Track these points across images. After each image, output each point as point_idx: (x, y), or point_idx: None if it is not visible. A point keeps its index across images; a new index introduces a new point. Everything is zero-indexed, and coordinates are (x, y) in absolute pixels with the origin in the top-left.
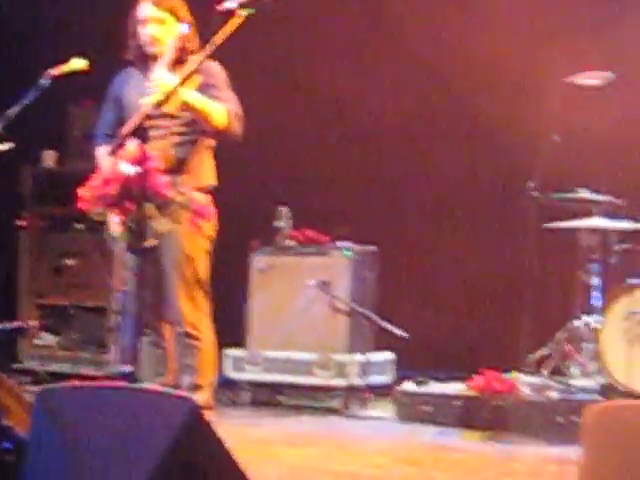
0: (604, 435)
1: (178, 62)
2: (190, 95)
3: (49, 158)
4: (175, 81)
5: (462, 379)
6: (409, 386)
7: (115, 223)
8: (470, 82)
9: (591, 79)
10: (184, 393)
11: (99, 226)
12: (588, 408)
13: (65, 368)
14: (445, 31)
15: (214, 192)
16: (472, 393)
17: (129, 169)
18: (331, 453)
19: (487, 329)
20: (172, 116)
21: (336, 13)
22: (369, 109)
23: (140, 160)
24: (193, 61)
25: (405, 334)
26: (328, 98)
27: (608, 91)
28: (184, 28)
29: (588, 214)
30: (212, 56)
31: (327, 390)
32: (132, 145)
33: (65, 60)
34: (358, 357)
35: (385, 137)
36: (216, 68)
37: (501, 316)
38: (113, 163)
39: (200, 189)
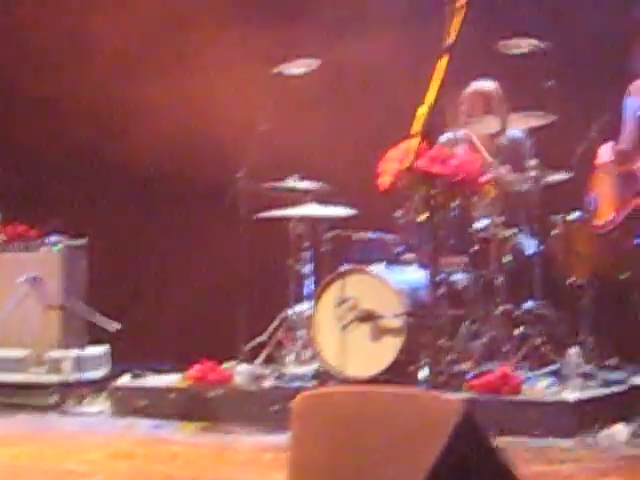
0: (313, 421)
1: None
2: None
3: None
4: None
5: (180, 370)
6: (125, 380)
7: None
8: (174, 71)
9: (296, 68)
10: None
11: None
12: (298, 395)
13: None
14: None
15: None
16: (187, 384)
17: None
18: (46, 451)
19: (204, 319)
20: None
21: None
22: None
23: None
24: None
25: (117, 326)
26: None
27: (312, 78)
28: None
29: (300, 202)
30: None
31: (41, 387)
32: None
33: None
34: (72, 352)
35: (88, 126)
36: None
37: (218, 306)
38: None
39: None
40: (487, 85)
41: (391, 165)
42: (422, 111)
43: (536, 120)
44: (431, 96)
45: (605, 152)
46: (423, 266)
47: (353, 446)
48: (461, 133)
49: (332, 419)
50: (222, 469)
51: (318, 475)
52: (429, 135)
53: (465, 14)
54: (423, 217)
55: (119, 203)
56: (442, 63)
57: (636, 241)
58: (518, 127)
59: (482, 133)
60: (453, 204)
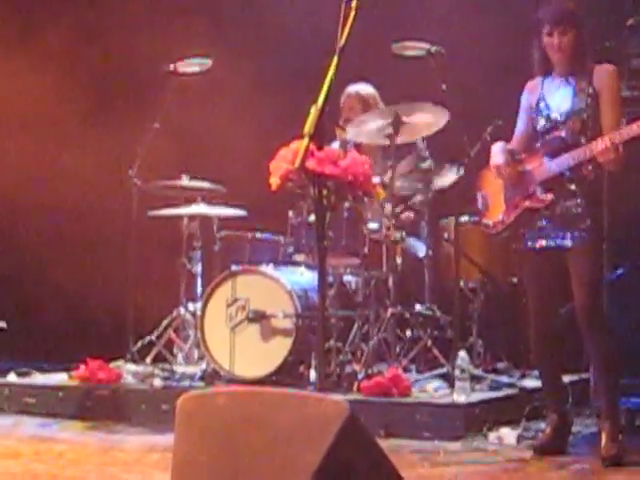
0: (196, 422)
1: None
2: None
3: None
4: None
5: (68, 369)
6: (11, 378)
7: None
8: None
9: (190, 66)
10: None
11: None
12: (182, 396)
13: None
14: None
15: None
16: (75, 383)
17: None
18: None
19: (94, 318)
20: None
21: None
22: None
23: None
24: None
25: (3, 324)
26: None
27: (206, 77)
28: None
29: (191, 201)
30: None
31: None
32: None
33: None
34: None
35: None
36: None
37: (107, 305)
38: None
39: None
40: (364, 88)
41: (281, 165)
42: (313, 111)
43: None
44: (322, 97)
45: (497, 151)
46: (314, 267)
47: (234, 447)
48: (352, 135)
49: (215, 420)
50: (107, 469)
51: (199, 475)
52: (320, 136)
53: (356, 15)
54: (313, 218)
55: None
56: (333, 64)
57: (529, 244)
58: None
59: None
60: (344, 205)
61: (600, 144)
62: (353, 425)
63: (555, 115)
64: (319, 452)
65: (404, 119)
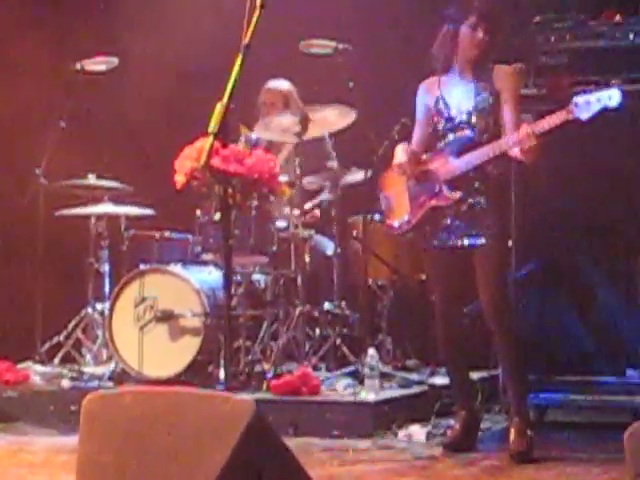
0: (101, 422)
1: None
2: None
3: None
4: None
5: None
6: None
7: None
8: None
9: (97, 65)
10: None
11: None
12: (87, 396)
13: None
14: None
15: None
16: None
17: None
18: None
19: (0, 319)
20: None
21: None
22: None
23: None
24: None
25: None
26: None
27: (112, 76)
28: None
29: (99, 201)
30: None
31: None
32: None
33: None
34: None
35: None
36: None
37: (15, 306)
38: None
39: None
40: (283, 84)
41: (186, 163)
42: (218, 109)
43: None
44: (227, 94)
45: (400, 152)
46: (222, 266)
47: (140, 447)
48: (259, 133)
49: (120, 420)
50: (13, 471)
51: (104, 476)
52: (225, 134)
53: (262, 13)
54: (218, 216)
55: None
56: (238, 62)
57: (435, 243)
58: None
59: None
60: (252, 204)
61: (521, 132)
62: (259, 424)
63: (456, 114)
64: (225, 451)
65: (312, 117)
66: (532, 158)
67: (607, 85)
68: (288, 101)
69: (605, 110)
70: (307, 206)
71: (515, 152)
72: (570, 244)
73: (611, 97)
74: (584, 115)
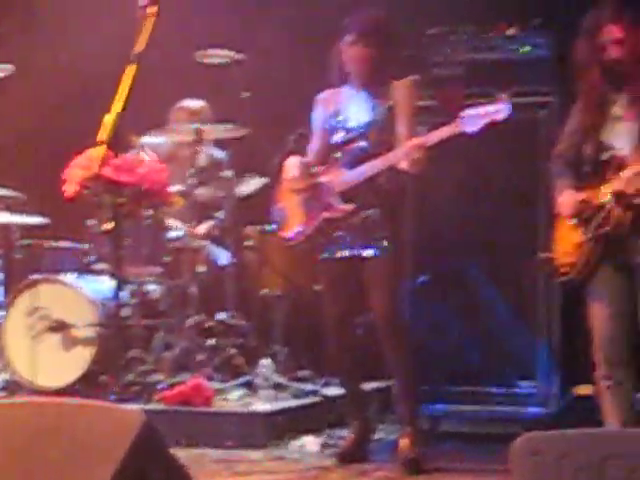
0: None
1: None
2: None
3: None
4: None
5: None
6: None
7: None
8: None
9: None
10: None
11: None
12: None
13: None
14: None
15: None
16: None
17: None
18: None
19: None
20: None
21: None
22: None
23: None
24: None
25: None
26: None
27: (7, 84)
28: None
29: None
30: None
31: None
32: None
33: None
34: None
35: None
36: None
37: None
38: None
39: None
40: (195, 103)
41: (76, 172)
42: (109, 118)
43: (231, 131)
44: (119, 104)
45: (291, 166)
46: (114, 276)
47: (29, 458)
48: (155, 141)
49: (9, 431)
50: None
51: None
52: (116, 142)
53: (155, 23)
54: (109, 226)
55: None
56: (130, 71)
57: (327, 255)
58: (215, 138)
59: (181, 143)
60: (145, 213)
61: (407, 145)
62: (148, 435)
63: (352, 126)
64: (113, 463)
65: (206, 129)
66: (418, 170)
67: (495, 99)
68: (198, 118)
69: (493, 124)
70: (201, 229)
71: (403, 164)
72: (461, 256)
73: (498, 111)
74: (471, 129)
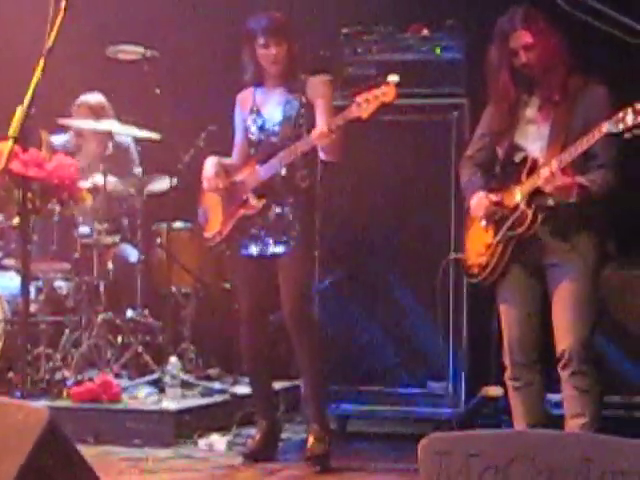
0: None
1: None
2: None
3: None
4: None
5: None
6: None
7: None
8: None
9: None
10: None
11: None
12: None
13: None
14: None
15: None
16: None
17: None
18: None
19: None
20: None
21: None
22: None
23: None
24: None
25: None
26: None
27: None
28: None
29: None
30: None
31: None
32: None
33: None
34: None
35: None
36: None
37: None
38: None
39: None
40: (93, 97)
41: None
42: (18, 113)
43: (142, 128)
44: (28, 98)
45: (208, 166)
46: (21, 272)
47: None
48: (61, 139)
49: None
50: None
51: None
52: (25, 138)
53: (65, 16)
54: (16, 221)
55: None
56: (40, 66)
57: (242, 251)
58: (125, 134)
59: (88, 137)
60: (53, 209)
61: (315, 131)
62: (53, 432)
63: (269, 125)
64: (17, 461)
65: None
66: (336, 157)
67: (384, 83)
68: (98, 114)
69: (383, 105)
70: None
71: (321, 155)
72: (373, 256)
73: (385, 93)
74: (364, 114)
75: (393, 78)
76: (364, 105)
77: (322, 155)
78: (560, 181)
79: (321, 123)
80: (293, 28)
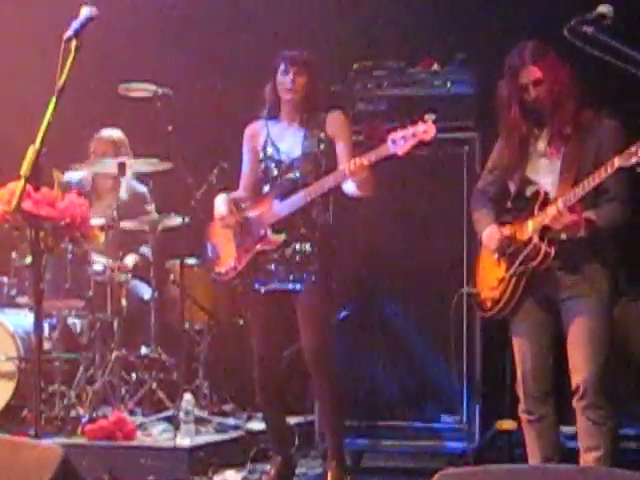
0: None
1: None
2: None
3: None
4: None
5: None
6: None
7: None
8: None
9: None
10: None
11: None
12: None
13: None
14: None
15: None
16: None
17: None
18: None
19: None
20: None
21: None
22: None
23: None
24: None
25: None
26: None
27: None
28: None
29: None
30: None
31: None
32: None
33: None
34: None
35: None
36: None
37: None
38: None
39: None
40: (114, 133)
41: None
42: (30, 152)
43: (155, 165)
44: (39, 137)
45: (220, 203)
46: (34, 309)
47: None
48: (77, 176)
49: None
50: None
51: None
52: (37, 177)
53: (77, 56)
54: (29, 260)
55: None
56: (51, 104)
57: (256, 287)
58: (137, 171)
59: (103, 176)
60: (66, 247)
61: (350, 165)
62: (66, 471)
63: (285, 159)
64: None
65: (129, 162)
66: (370, 192)
67: (422, 120)
68: (119, 150)
69: (421, 143)
70: (129, 261)
71: (352, 190)
72: (384, 290)
73: (425, 131)
74: (399, 151)
75: (431, 116)
76: (400, 142)
77: (352, 190)
78: (567, 220)
79: (347, 160)
80: (317, 66)
